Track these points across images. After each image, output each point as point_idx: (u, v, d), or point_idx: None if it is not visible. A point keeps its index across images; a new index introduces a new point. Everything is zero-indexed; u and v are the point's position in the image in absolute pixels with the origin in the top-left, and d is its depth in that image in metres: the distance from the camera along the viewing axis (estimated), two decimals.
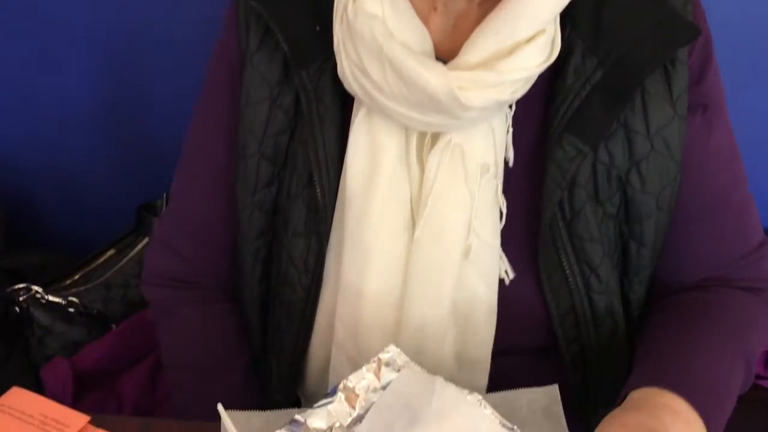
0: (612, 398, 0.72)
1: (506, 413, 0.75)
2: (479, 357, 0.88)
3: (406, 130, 0.84)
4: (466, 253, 0.85)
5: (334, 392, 0.77)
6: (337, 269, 0.85)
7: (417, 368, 0.77)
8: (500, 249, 0.86)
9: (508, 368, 0.87)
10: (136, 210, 1.43)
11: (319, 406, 0.76)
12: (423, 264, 0.85)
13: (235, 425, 0.71)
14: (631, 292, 0.90)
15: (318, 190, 0.87)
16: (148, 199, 1.41)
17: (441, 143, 0.82)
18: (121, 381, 1.21)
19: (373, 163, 0.84)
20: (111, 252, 1.39)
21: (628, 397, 0.76)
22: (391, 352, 0.79)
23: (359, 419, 0.75)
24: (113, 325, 1.27)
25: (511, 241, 0.87)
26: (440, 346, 0.87)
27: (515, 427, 0.73)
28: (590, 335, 0.88)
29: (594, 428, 0.71)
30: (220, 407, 0.70)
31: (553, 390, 0.79)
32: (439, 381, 0.75)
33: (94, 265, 1.36)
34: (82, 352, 1.20)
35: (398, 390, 0.75)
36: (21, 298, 1.22)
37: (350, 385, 0.77)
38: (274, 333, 0.92)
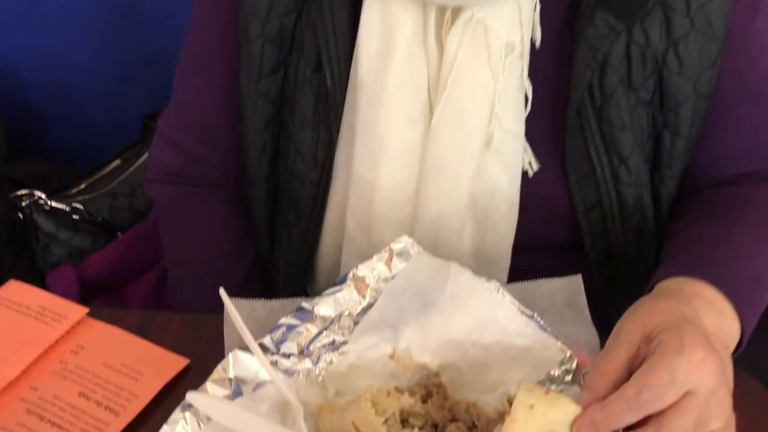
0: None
1: (525, 303, 0.71)
2: (499, 254, 0.84)
3: (424, 5, 0.78)
4: (488, 142, 0.80)
5: (343, 281, 0.73)
6: (348, 161, 0.81)
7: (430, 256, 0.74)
8: (524, 138, 0.81)
9: (529, 266, 0.82)
10: (142, 119, 1.39)
11: (327, 295, 0.72)
12: (441, 153, 0.80)
13: (240, 311, 0.67)
14: (662, 187, 0.85)
15: (327, 75, 0.81)
16: (153, 108, 1.36)
17: (462, 19, 0.77)
18: (127, 290, 1.18)
19: (388, 44, 0.79)
20: (117, 162, 1.36)
21: (656, 287, 0.72)
22: (404, 242, 0.75)
23: (369, 308, 0.72)
24: (119, 233, 1.24)
25: (535, 129, 0.82)
26: (457, 241, 0.83)
27: (535, 315, 0.70)
28: (617, 231, 0.83)
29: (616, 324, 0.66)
30: (222, 293, 0.67)
31: (576, 280, 0.74)
32: (454, 266, 0.71)
33: (99, 175, 1.33)
34: (87, 260, 1.18)
35: (410, 275, 0.71)
36: (24, 204, 1.19)
37: (360, 274, 0.73)
38: (282, 232, 0.88)
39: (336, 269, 0.88)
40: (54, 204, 1.22)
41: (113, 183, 1.31)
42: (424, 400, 0.68)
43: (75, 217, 1.23)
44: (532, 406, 0.61)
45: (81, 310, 0.79)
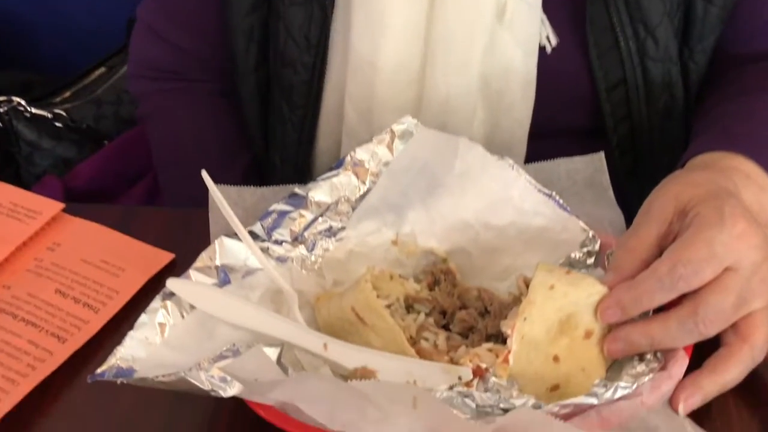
0: None
1: (542, 185, 0.64)
2: (513, 140, 0.77)
3: None
4: (500, 13, 0.72)
5: (339, 165, 0.67)
6: (345, 40, 0.74)
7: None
8: (541, 9, 0.74)
9: (546, 154, 0.75)
10: (126, 24, 1.30)
11: (322, 179, 0.66)
12: (448, 27, 0.73)
13: (228, 198, 0.62)
14: (691, 63, 0.77)
15: None
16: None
17: None
18: (119, 201, 1.13)
19: None
20: (101, 70, 1.28)
21: (689, 163, 0.65)
22: (406, 123, 0.68)
23: (369, 194, 0.66)
24: (106, 142, 1.18)
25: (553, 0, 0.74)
26: (468, 127, 0.76)
27: (553, 194, 0.63)
28: (642, 113, 0.76)
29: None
30: (205, 175, 0.61)
31: (599, 158, 0.68)
32: (464, 141, 0.65)
33: (83, 83, 1.26)
34: (74, 170, 1.11)
35: (414, 152, 0.65)
36: (2, 111, 1.13)
37: (359, 157, 0.67)
38: (276, 127, 0.82)
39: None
40: (35, 111, 1.15)
41: (98, 91, 1.23)
42: (430, 288, 0.62)
43: (58, 124, 1.17)
44: (551, 287, 0.55)
45: (56, 206, 0.74)
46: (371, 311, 0.55)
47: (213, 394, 0.51)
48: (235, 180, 0.74)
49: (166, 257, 0.68)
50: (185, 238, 0.67)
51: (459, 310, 0.59)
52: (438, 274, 0.62)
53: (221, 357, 0.53)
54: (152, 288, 0.65)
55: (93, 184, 1.13)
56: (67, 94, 1.25)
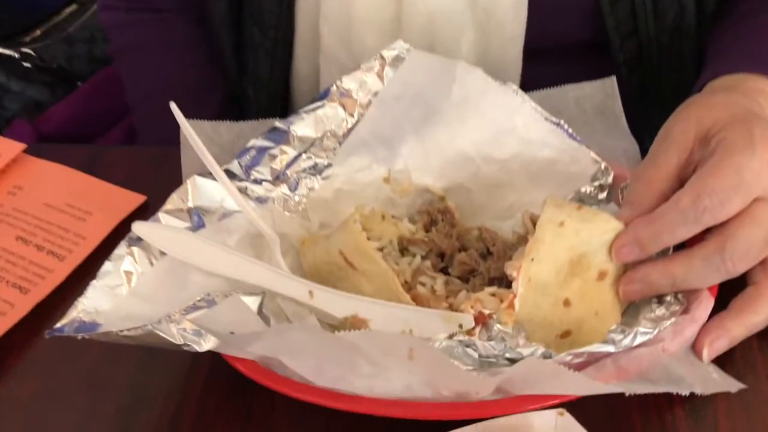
0: None
1: (549, 113, 0.59)
2: (507, 60, 0.70)
3: None
4: None
5: (324, 95, 0.61)
6: None
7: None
8: None
9: (545, 76, 0.69)
10: None
11: (306, 112, 0.60)
12: None
13: (201, 135, 0.56)
14: None
15: None
16: None
17: None
18: None
19: None
20: (73, 7, 1.20)
21: (708, 86, 0.59)
22: (398, 48, 0.62)
23: (357, 126, 0.60)
24: (79, 83, 1.11)
25: None
26: (456, 47, 0.69)
27: (562, 122, 0.58)
28: (650, 28, 0.69)
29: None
30: (173, 107, 0.55)
31: (610, 83, 0.62)
32: (461, 65, 0.58)
33: (53, 21, 1.18)
34: (45, 114, 1.05)
35: (406, 78, 0.59)
36: None
37: (345, 87, 0.60)
38: (248, 54, 0.75)
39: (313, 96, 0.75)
40: (1, 50, 1.08)
41: (70, 28, 1.16)
42: (426, 229, 0.57)
43: (26, 64, 1.10)
44: (561, 224, 0.50)
45: (17, 146, 0.68)
46: (361, 254, 0.50)
47: (186, 348, 0.46)
48: (210, 116, 0.68)
49: (136, 199, 0.63)
50: (158, 179, 0.61)
51: (458, 252, 0.54)
52: (435, 214, 0.57)
53: (194, 308, 0.48)
54: (122, 233, 0.59)
55: (67, 128, 1.07)
56: (37, 32, 1.18)
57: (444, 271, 0.54)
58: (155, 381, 0.51)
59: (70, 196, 0.63)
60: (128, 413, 0.50)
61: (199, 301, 0.48)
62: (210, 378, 0.51)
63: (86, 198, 0.62)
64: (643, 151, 0.55)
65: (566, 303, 0.50)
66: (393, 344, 0.43)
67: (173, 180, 0.59)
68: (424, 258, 0.53)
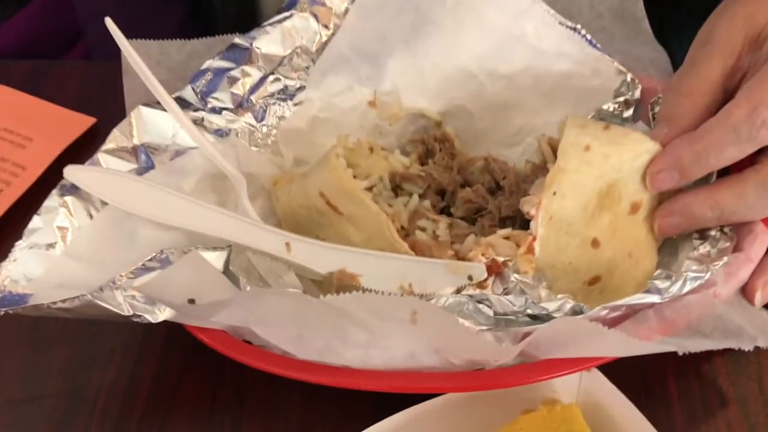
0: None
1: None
2: None
3: None
4: None
5: (292, 4, 0.52)
6: None
7: None
8: None
9: None
10: None
11: (271, 25, 0.51)
12: None
13: (147, 58, 0.47)
14: None
15: None
16: None
17: None
18: None
19: None
20: None
21: None
22: None
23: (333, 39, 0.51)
24: None
25: None
26: None
27: (579, 27, 0.49)
28: None
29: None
30: (109, 23, 0.45)
31: None
32: None
33: None
34: None
35: None
36: None
37: None
38: None
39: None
40: None
41: None
42: (422, 161, 0.49)
43: None
44: (587, 148, 0.42)
45: None
46: (347, 196, 0.42)
47: (137, 320, 0.38)
48: (169, 34, 0.58)
49: (85, 122, 0.57)
50: (109, 98, 0.53)
51: (461, 187, 0.47)
52: (431, 143, 0.49)
53: (144, 269, 0.40)
54: (69, 161, 0.51)
55: (20, 47, 0.97)
56: None
57: (446, 211, 0.46)
58: (109, 335, 0.45)
59: (8, 120, 0.56)
60: (77, 371, 0.44)
61: (150, 260, 0.40)
62: (173, 332, 0.42)
63: (27, 122, 0.56)
64: (675, 64, 0.46)
65: (594, 243, 0.42)
66: (391, 307, 0.35)
67: None
68: (421, 197, 0.46)
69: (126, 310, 0.38)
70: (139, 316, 0.38)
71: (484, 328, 0.39)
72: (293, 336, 0.37)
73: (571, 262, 0.42)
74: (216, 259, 0.42)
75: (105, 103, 0.55)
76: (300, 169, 0.49)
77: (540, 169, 0.45)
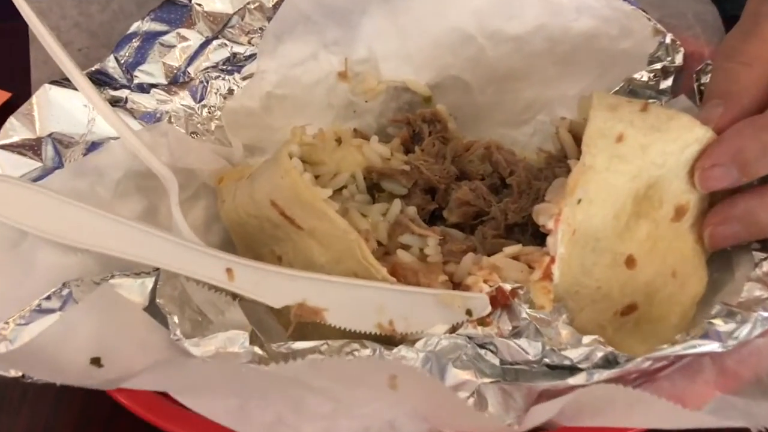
0: None
1: None
2: None
3: None
4: None
5: None
6: None
7: None
8: None
9: None
10: None
11: None
12: None
13: (62, 19, 0.37)
14: None
15: None
16: None
17: None
18: None
19: None
20: None
21: None
22: None
23: None
24: None
25: None
26: None
27: None
28: None
29: None
30: None
31: None
32: None
33: None
34: None
35: None
36: None
37: None
38: None
39: None
40: None
41: None
42: (407, 148, 0.39)
43: None
44: (620, 138, 0.32)
45: None
46: (305, 207, 0.32)
47: (26, 380, 0.28)
48: None
49: None
50: (26, 71, 0.43)
51: (456, 182, 0.37)
52: (418, 124, 0.40)
53: (40, 311, 0.31)
54: None
55: None
56: None
57: (437, 215, 0.36)
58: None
59: None
60: None
61: (47, 298, 0.31)
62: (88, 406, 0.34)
63: None
64: (727, 22, 0.36)
65: (629, 262, 0.33)
66: (363, 372, 0.26)
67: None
68: (406, 198, 0.35)
69: (11, 370, 0.29)
70: (28, 378, 0.29)
71: (488, 381, 0.30)
72: (233, 408, 0.27)
73: (600, 287, 0.33)
74: (138, 289, 0.32)
75: (21, 76, 0.44)
76: (254, 160, 0.39)
77: (557, 162, 0.35)
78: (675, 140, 0.34)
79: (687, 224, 0.35)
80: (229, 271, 0.33)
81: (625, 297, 0.34)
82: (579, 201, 0.32)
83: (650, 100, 0.40)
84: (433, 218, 0.37)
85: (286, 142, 0.34)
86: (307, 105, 0.39)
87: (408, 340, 0.32)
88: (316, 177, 0.34)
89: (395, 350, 0.31)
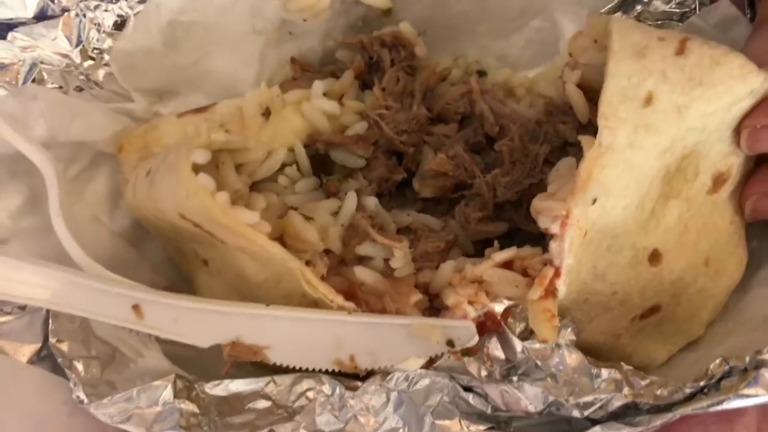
0: None
1: None
2: None
3: None
4: None
5: None
6: None
7: None
8: None
9: None
10: None
11: None
12: None
13: None
14: None
15: None
16: None
17: None
18: None
19: None
20: None
21: None
22: None
23: None
24: None
25: None
26: None
27: None
28: None
29: None
30: None
31: None
32: None
33: None
34: None
35: None
36: None
37: None
38: None
39: None
40: None
41: None
42: (364, 82, 0.30)
43: None
44: (649, 99, 0.24)
45: None
46: (227, 229, 0.24)
47: None
48: None
49: None
50: None
51: (430, 126, 0.28)
52: (375, 50, 0.29)
53: None
54: None
55: None
56: None
57: (405, 186, 0.28)
58: None
59: None
60: None
61: None
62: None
63: None
64: None
65: (654, 257, 0.26)
66: None
67: None
68: (364, 171, 0.27)
69: None
70: None
71: (482, 428, 0.24)
72: None
73: (616, 293, 0.26)
74: (23, 329, 0.25)
75: None
76: (164, 106, 0.30)
77: (560, 114, 0.27)
78: (721, 96, 0.25)
79: (725, 194, 0.28)
80: (136, 308, 0.26)
81: (646, 300, 0.27)
82: (594, 201, 0.24)
83: (674, 27, 0.30)
84: (400, 190, 0.29)
85: (186, 146, 0.24)
86: (223, 32, 0.29)
87: (376, 373, 0.25)
88: (239, 166, 0.25)
89: (360, 390, 0.25)
